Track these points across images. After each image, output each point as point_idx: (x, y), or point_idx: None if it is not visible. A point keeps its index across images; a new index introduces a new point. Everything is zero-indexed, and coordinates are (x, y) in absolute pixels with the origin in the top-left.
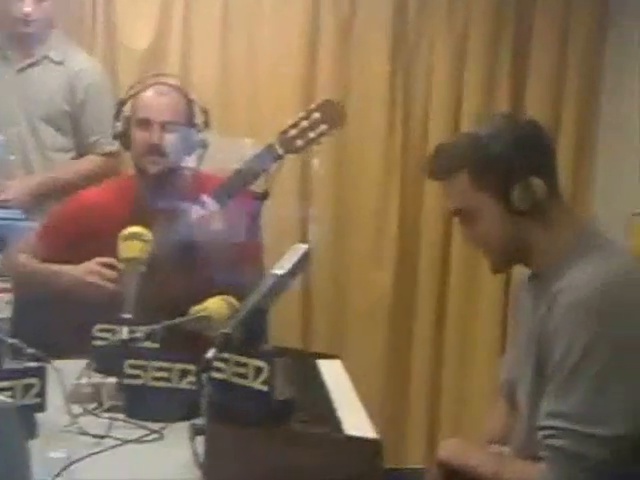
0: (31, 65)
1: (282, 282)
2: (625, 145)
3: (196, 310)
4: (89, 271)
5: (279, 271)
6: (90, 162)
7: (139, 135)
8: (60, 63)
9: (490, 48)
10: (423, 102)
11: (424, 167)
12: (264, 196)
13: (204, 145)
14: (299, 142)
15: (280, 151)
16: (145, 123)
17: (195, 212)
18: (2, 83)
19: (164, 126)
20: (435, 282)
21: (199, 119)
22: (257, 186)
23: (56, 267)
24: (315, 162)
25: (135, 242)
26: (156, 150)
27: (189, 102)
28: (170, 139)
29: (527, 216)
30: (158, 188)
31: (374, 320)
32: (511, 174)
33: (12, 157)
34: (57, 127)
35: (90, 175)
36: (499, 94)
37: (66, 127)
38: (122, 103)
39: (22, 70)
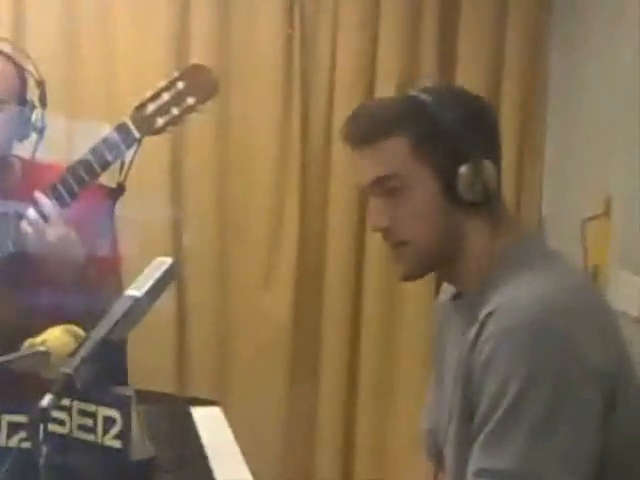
0: None
1: (139, 307)
2: (576, 132)
3: (30, 344)
4: None
5: (135, 292)
6: None
7: None
8: None
9: (412, 2)
10: (327, 71)
11: (344, 129)
12: (118, 192)
13: (39, 128)
14: (159, 120)
15: (135, 133)
16: None
17: (27, 214)
18: None
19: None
20: (345, 306)
21: (33, 95)
22: (109, 179)
23: None
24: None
25: None
26: None
27: (20, 72)
28: None
29: (467, 209)
30: None
31: (269, 355)
32: (462, 151)
33: None
34: None
35: None
36: (424, 60)
37: None
38: None
39: None
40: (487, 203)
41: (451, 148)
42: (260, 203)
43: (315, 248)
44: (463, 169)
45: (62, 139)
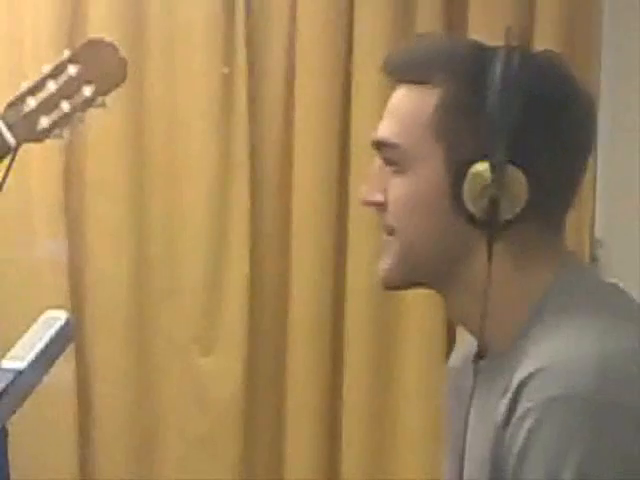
0: None
1: (22, 383)
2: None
3: None
4: None
5: (15, 364)
6: None
7: None
8: None
9: None
10: (283, 37)
11: (386, 56)
12: None
13: None
14: (43, 121)
15: (10, 138)
16: None
17: None
18: None
19: None
20: (319, 368)
21: None
22: None
23: None
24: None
25: None
26: None
27: None
28: None
29: (478, 223)
30: None
31: (212, 447)
32: (492, 143)
33: None
34: None
35: None
36: (420, 24)
37: None
38: None
39: None
40: (516, 225)
41: (483, 132)
42: (194, 232)
43: (273, 293)
44: (475, 168)
45: None
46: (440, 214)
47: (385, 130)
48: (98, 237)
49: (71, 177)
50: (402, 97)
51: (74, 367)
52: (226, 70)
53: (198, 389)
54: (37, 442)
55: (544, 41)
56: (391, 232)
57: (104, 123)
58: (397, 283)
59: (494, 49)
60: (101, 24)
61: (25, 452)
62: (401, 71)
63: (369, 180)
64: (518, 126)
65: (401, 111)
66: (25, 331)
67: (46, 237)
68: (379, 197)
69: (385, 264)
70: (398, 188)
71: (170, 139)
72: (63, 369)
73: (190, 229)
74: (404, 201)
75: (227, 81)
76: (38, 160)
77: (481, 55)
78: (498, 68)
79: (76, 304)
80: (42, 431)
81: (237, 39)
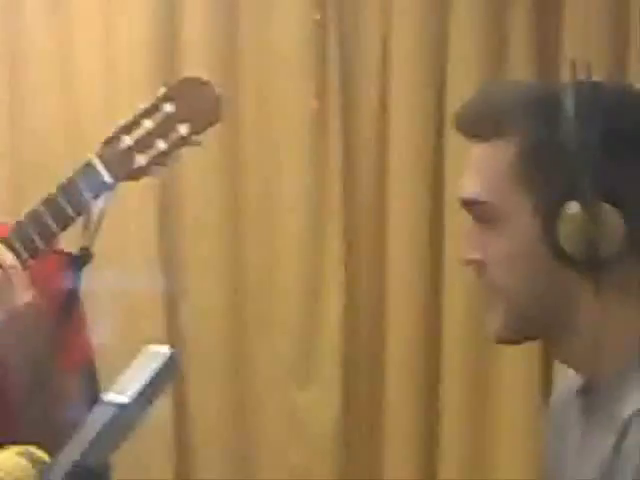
0: None
1: (126, 418)
2: None
3: None
4: None
5: (119, 398)
6: None
7: None
8: None
9: None
10: (377, 69)
11: (457, 111)
12: (83, 259)
13: None
14: (140, 159)
15: (106, 176)
16: None
17: None
18: None
19: None
20: (416, 400)
21: None
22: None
23: None
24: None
25: None
26: None
27: None
28: None
29: (578, 266)
30: None
31: (309, 476)
32: (581, 183)
33: None
34: None
35: None
36: (513, 41)
37: None
38: None
39: None
40: (611, 264)
41: (568, 172)
42: (288, 266)
43: (369, 326)
44: (567, 210)
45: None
46: (540, 263)
47: (470, 189)
48: (194, 272)
49: (166, 214)
50: (481, 152)
51: (171, 400)
52: (315, 104)
53: (295, 422)
54: (135, 476)
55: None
56: (494, 289)
57: (198, 158)
58: (509, 338)
59: (561, 86)
60: (196, 54)
61: None
62: (474, 128)
63: (466, 238)
64: (602, 160)
65: (482, 167)
66: (123, 366)
67: (142, 273)
68: (477, 255)
69: (494, 322)
70: (495, 245)
71: (264, 173)
72: (160, 402)
73: (285, 263)
74: (503, 257)
75: (320, 114)
76: (133, 197)
77: (550, 95)
78: (571, 104)
79: (172, 338)
80: (140, 466)
81: (331, 69)
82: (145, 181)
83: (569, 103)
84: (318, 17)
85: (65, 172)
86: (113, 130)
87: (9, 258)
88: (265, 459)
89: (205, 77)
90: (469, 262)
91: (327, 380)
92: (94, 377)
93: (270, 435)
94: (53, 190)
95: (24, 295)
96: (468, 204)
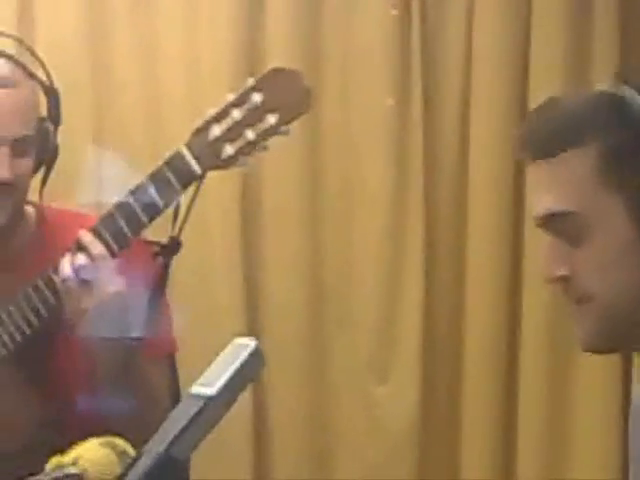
0: None
1: (212, 410)
2: None
3: (57, 463)
4: None
5: (206, 390)
6: None
7: None
8: None
9: None
10: (459, 66)
11: (520, 132)
12: (172, 249)
13: (48, 154)
14: (228, 148)
15: (195, 166)
16: None
17: (47, 284)
18: None
19: (18, 145)
20: (495, 396)
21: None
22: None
23: None
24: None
25: None
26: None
27: (30, 82)
28: (26, 167)
29: None
30: None
31: (386, 472)
32: None
33: None
34: None
35: None
36: (599, 45)
37: None
38: None
39: None
40: None
41: None
42: (367, 262)
43: (447, 321)
44: None
45: (87, 175)
46: (636, 265)
47: (553, 202)
48: (274, 266)
49: (248, 204)
50: (553, 168)
51: (250, 395)
52: (391, 102)
53: (372, 416)
54: (214, 471)
55: None
56: (584, 300)
57: (280, 150)
58: (601, 347)
59: (616, 87)
60: (278, 50)
61: None
62: (546, 144)
63: (547, 256)
64: None
65: (559, 180)
66: (204, 359)
67: (223, 265)
68: (563, 271)
69: (585, 331)
70: (584, 255)
71: (345, 167)
72: (240, 397)
73: (364, 259)
74: (595, 266)
75: (401, 111)
76: (215, 188)
77: (614, 96)
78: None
79: (251, 333)
80: (218, 459)
81: (413, 66)
82: (227, 174)
83: (633, 100)
84: (396, 12)
85: (147, 165)
86: (202, 120)
87: (98, 248)
88: (342, 454)
89: (292, 67)
90: (554, 280)
91: (406, 375)
92: (174, 368)
93: (347, 430)
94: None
95: (112, 284)
96: (548, 220)
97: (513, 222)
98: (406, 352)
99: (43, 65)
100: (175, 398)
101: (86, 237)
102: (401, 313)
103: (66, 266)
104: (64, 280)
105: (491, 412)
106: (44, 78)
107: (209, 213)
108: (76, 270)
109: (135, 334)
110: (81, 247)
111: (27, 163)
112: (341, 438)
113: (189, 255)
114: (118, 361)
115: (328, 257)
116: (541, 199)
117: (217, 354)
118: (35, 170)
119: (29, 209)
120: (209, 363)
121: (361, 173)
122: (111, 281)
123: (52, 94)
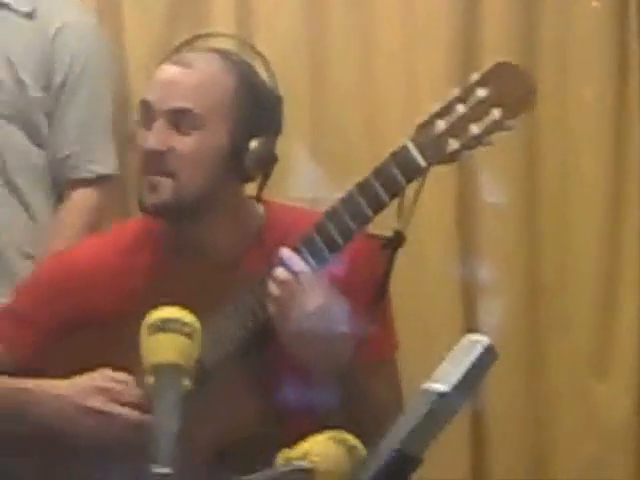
0: None
1: (445, 405)
2: None
3: (286, 457)
4: (91, 389)
5: (439, 386)
6: (76, 213)
7: (138, 138)
8: (28, 15)
9: None
10: None
11: None
12: (396, 242)
13: (263, 163)
14: (453, 143)
15: (420, 160)
16: (146, 115)
17: (275, 274)
18: None
19: (175, 119)
20: None
21: (261, 112)
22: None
23: (27, 383)
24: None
25: (171, 336)
26: (154, 164)
27: (246, 82)
28: (186, 144)
29: None
30: (187, 236)
31: (603, 469)
32: None
33: None
34: (26, 128)
35: (85, 230)
36: None
37: (42, 129)
38: None
39: None
40: None
41: None
42: (585, 260)
43: None
44: None
45: (306, 174)
46: None
47: None
48: (491, 261)
49: (463, 201)
50: None
51: None
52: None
53: (591, 414)
54: (431, 470)
55: None
56: None
57: (496, 145)
58: None
59: None
60: (494, 44)
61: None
62: None
63: None
64: None
65: None
66: (418, 357)
67: (440, 259)
68: None
69: None
70: None
71: (562, 164)
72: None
73: (582, 254)
74: None
75: (619, 103)
76: (430, 183)
77: None
78: None
79: (470, 331)
80: (435, 458)
81: (630, 58)
82: (442, 170)
83: None
84: (597, 4)
85: (364, 164)
86: (427, 115)
87: (300, 265)
88: (559, 450)
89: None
90: None
91: (625, 372)
92: (395, 367)
93: (565, 427)
94: (354, 182)
95: (324, 294)
96: None
97: None
98: (625, 348)
99: (267, 66)
100: (398, 399)
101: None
102: (619, 311)
103: (279, 272)
104: (281, 278)
105: None
106: (267, 79)
107: (424, 210)
108: (287, 277)
109: (358, 332)
110: (307, 246)
111: (187, 140)
112: (558, 434)
113: (402, 253)
114: (340, 360)
115: (545, 255)
116: None
117: (438, 354)
118: (249, 178)
119: (257, 205)
120: (426, 363)
121: (579, 170)
122: (323, 290)
123: (274, 98)
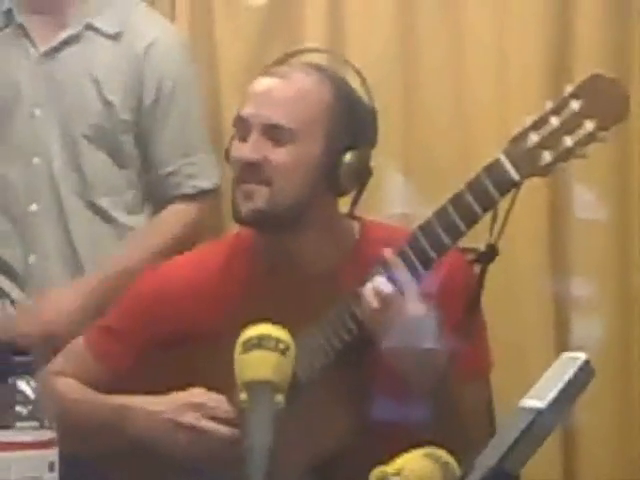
0: (65, 43)
1: (542, 422)
2: None
3: (381, 474)
4: (184, 405)
5: (536, 403)
6: (173, 222)
7: (233, 150)
8: (115, 37)
9: None
10: None
11: None
12: (489, 256)
13: (360, 171)
14: (546, 156)
15: (513, 173)
16: (241, 128)
17: (375, 283)
18: (17, 77)
19: (269, 132)
20: None
21: (356, 125)
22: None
23: (123, 399)
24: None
25: (265, 353)
26: (249, 173)
27: (341, 94)
28: (281, 155)
29: None
30: (281, 249)
31: None
32: None
33: (33, 207)
34: (110, 150)
35: (177, 243)
36: None
37: (126, 150)
38: None
39: (49, 54)
40: None
41: None
42: None
43: None
44: None
45: (396, 190)
46: None
47: None
48: (584, 276)
49: (557, 213)
50: None
51: None
52: None
53: None
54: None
55: None
56: None
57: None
58: None
59: None
60: (587, 51)
61: None
62: None
63: None
64: None
65: None
66: (506, 373)
67: (532, 273)
68: None
69: None
70: None
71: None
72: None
73: None
74: None
75: None
76: (522, 196)
77: None
78: None
79: (564, 347)
80: (529, 470)
81: None
82: (534, 182)
83: None
84: None
85: (455, 184)
86: (520, 128)
87: (404, 273)
88: None
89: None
90: None
91: None
92: (488, 385)
93: None
94: (444, 199)
95: (418, 307)
96: None
97: None
98: None
99: (362, 80)
100: (490, 417)
101: (391, 259)
102: None
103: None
104: (381, 287)
105: None
106: (363, 95)
107: (515, 224)
108: (381, 292)
109: (452, 347)
110: (387, 266)
111: (281, 152)
112: None
113: (493, 267)
114: (435, 374)
115: (636, 265)
116: None
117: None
118: (344, 192)
119: (351, 221)
120: (520, 381)
121: None
122: (417, 303)
123: (368, 113)
